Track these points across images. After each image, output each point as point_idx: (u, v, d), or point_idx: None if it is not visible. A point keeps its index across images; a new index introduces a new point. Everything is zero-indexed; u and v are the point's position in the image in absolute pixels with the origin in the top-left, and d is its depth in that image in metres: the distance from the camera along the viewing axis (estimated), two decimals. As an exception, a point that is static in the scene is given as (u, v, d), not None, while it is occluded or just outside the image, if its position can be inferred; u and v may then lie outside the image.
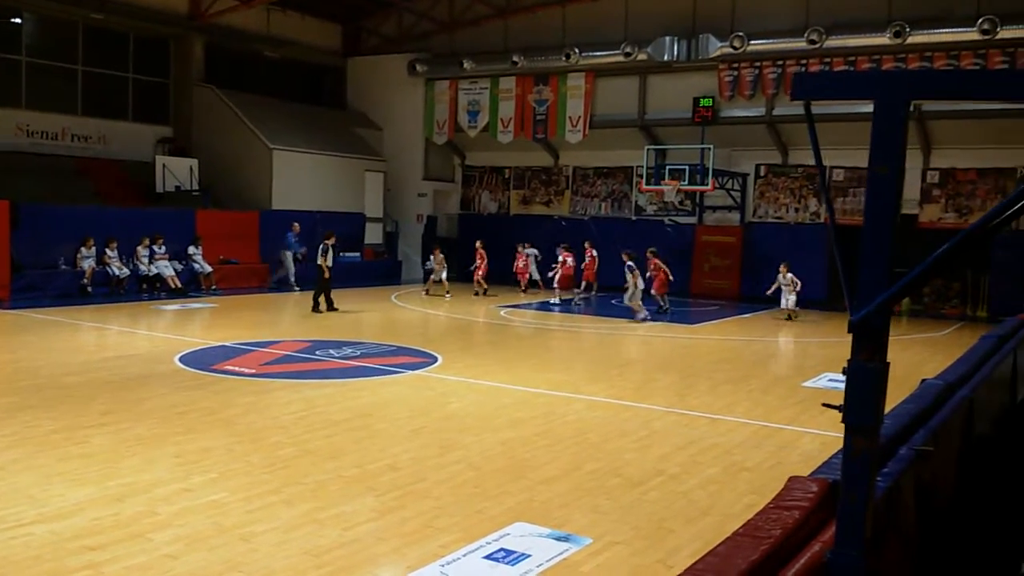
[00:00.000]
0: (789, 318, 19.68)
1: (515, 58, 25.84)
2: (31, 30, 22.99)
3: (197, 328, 16.43)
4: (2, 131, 21.65)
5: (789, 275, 19.87)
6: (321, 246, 18.62)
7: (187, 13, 24.85)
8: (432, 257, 23.18)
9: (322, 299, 18.38)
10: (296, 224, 22.86)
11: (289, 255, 22.89)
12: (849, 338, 2.97)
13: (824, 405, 3.34)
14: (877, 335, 2.89)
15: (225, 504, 6.33)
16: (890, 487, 3.72)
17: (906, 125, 2.87)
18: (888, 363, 2.92)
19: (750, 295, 23.08)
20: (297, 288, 22.37)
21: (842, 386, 3.00)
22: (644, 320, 18.66)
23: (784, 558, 3.01)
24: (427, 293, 22.86)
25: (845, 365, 2.99)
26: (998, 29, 19.40)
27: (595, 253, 23.43)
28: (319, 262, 18.47)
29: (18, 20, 22.52)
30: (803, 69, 22.31)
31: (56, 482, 6.69)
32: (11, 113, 21.94)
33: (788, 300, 19.83)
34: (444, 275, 22.95)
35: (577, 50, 24.88)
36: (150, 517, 6.02)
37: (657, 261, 20.15)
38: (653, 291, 20.04)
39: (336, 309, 18.40)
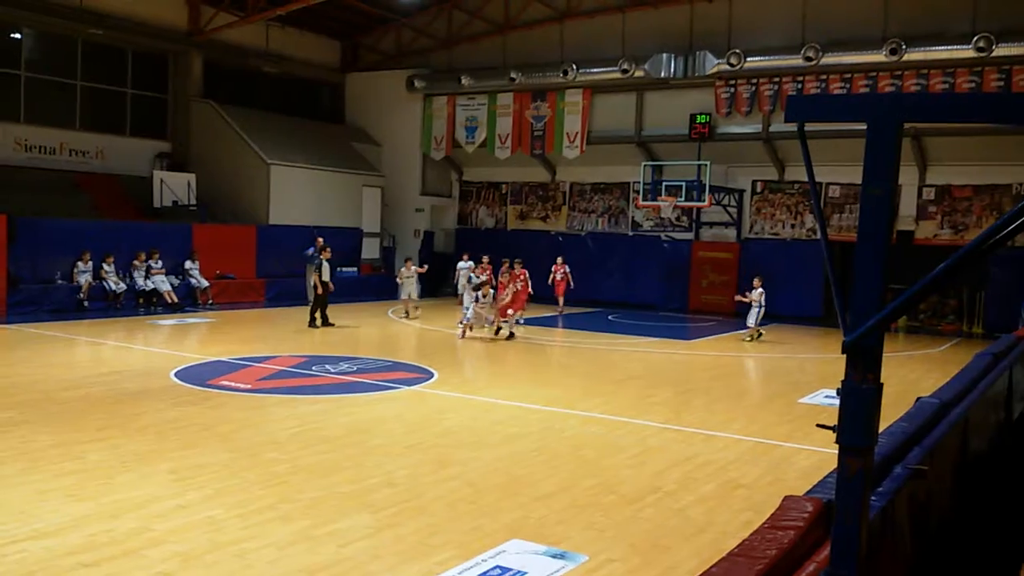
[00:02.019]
0: (752, 338, 18.47)
1: (513, 74, 25.95)
2: (30, 45, 23.06)
3: (193, 343, 16.42)
4: (0, 145, 21.67)
5: (759, 290, 18.69)
6: (316, 261, 18.62)
7: (186, 29, 24.97)
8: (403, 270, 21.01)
9: (318, 314, 18.37)
10: (320, 239, 21.00)
11: (312, 269, 22.25)
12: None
13: (818, 426, 3.36)
14: (871, 356, 2.90)
15: (220, 520, 6.31)
16: (885, 506, 3.73)
17: (899, 147, 2.90)
18: (882, 384, 2.94)
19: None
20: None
21: (838, 403, 3.02)
22: (461, 324, 17.73)
23: (779, 578, 3.01)
24: (407, 316, 20.78)
25: (840, 385, 3.00)
26: (994, 47, 19.56)
27: (567, 269, 23.19)
28: (313, 278, 18.44)
29: (18, 35, 22.59)
30: (799, 86, 22.43)
31: (51, 498, 6.67)
32: (9, 128, 21.96)
33: (750, 318, 18.63)
34: (413, 290, 20.73)
35: (575, 66, 25.00)
36: (145, 533, 6.00)
37: (515, 282, 18.21)
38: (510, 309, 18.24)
39: (332, 324, 18.37)
